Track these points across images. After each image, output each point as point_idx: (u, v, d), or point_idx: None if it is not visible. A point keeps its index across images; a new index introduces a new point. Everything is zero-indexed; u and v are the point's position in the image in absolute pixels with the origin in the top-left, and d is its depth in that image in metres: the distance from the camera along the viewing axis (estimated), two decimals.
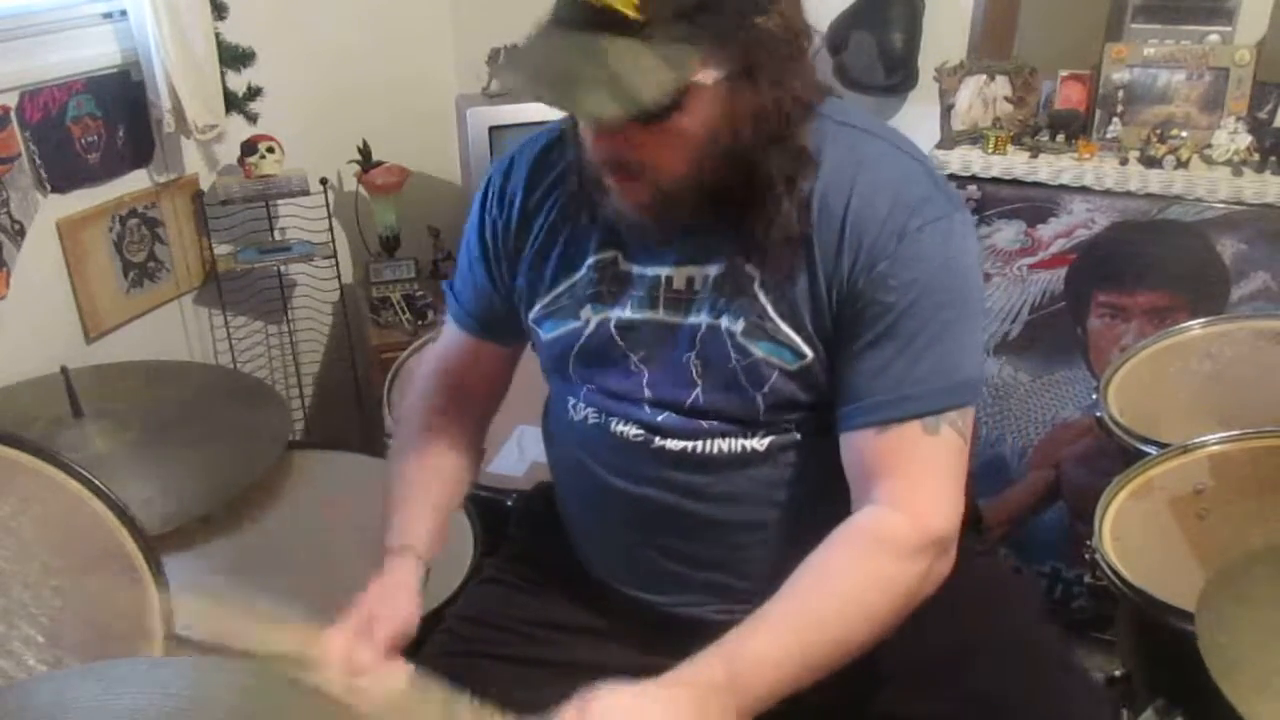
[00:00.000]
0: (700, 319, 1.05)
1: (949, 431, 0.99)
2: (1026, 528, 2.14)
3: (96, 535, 1.13)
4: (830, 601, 0.95)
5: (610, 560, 1.19)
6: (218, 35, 2.12)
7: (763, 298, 1.02)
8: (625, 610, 1.18)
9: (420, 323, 2.39)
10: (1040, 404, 2.07)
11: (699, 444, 1.07)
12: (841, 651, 0.94)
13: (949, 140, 2.06)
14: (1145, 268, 1.93)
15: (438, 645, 1.21)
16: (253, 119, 2.28)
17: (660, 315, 1.07)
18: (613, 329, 1.08)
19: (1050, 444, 2.08)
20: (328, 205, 2.36)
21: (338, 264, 2.41)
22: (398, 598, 1.09)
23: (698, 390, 1.06)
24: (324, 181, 2.31)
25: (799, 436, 1.07)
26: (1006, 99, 2.07)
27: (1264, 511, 1.26)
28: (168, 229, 2.18)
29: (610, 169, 0.98)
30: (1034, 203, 1.98)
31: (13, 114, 1.79)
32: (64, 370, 1.60)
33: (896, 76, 2.21)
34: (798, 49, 0.95)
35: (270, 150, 2.20)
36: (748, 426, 1.06)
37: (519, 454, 1.79)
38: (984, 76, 2.05)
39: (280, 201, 2.31)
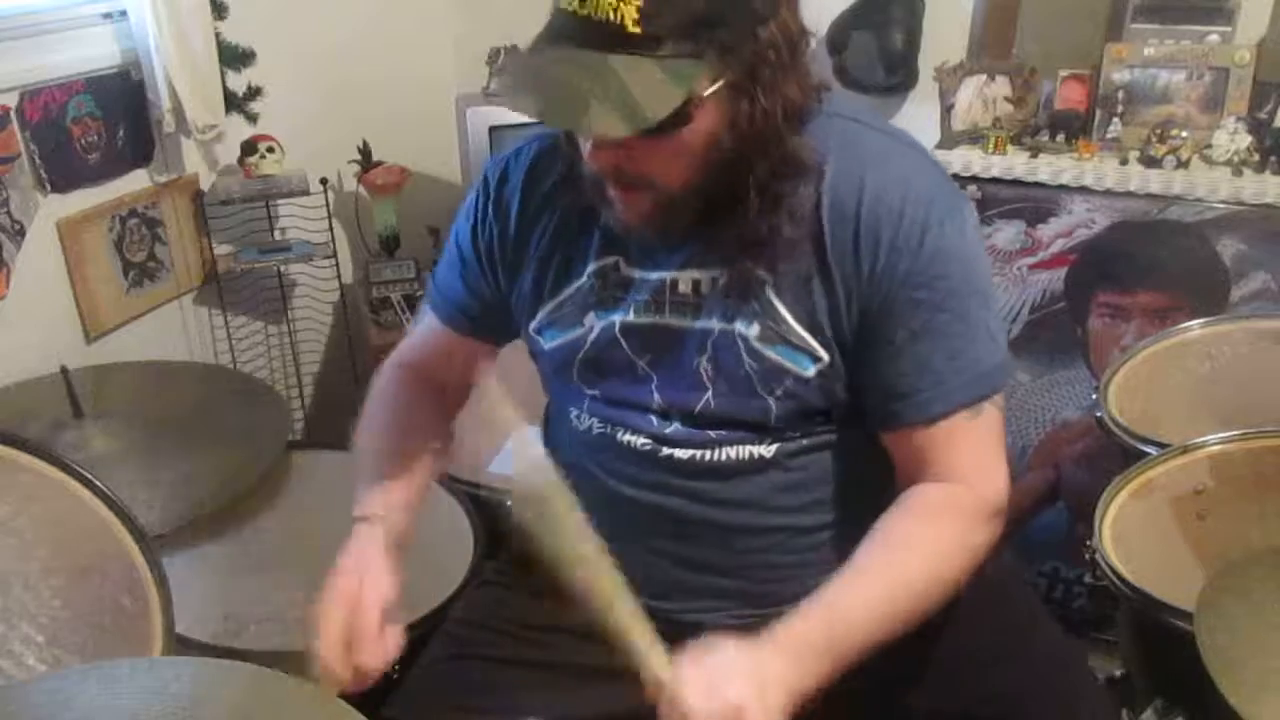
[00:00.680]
0: (711, 323, 1.04)
1: (990, 409, 1.03)
2: (1026, 528, 2.14)
3: (96, 535, 1.13)
4: (915, 562, 0.99)
5: (615, 565, 1.18)
6: (218, 35, 2.12)
7: (777, 302, 1.02)
8: None
9: None
10: (1040, 404, 2.07)
11: (707, 452, 1.07)
12: (921, 611, 0.98)
13: (949, 140, 2.06)
14: (1145, 268, 1.93)
15: (438, 648, 1.21)
16: (253, 119, 2.27)
17: (666, 319, 1.06)
18: (617, 333, 1.08)
19: (1050, 444, 2.08)
20: (328, 205, 2.36)
21: (338, 264, 2.41)
22: (374, 564, 1.06)
23: (708, 395, 1.06)
24: (324, 181, 2.31)
25: (806, 443, 1.07)
26: (1006, 99, 2.07)
27: (1264, 511, 1.26)
28: (168, 229, 2.18)
29: (612, 181, 0.98)
30: (1034, 203, 1.98)
31: (13, 114, 1.79)
32: (64, 370, 1.60)
33: (896, 76, 2.21)
34: (796, 55, 0.95)
35: (270, 150, 2.20)
36: (757, 433, 1.06)
37: None
38: (984, 76, 2.06)
39: (280, 201, 2.31)
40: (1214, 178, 1.86)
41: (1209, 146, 1.90)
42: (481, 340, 1.24)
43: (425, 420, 1.23)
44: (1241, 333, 1.63)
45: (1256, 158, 1.87)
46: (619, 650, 0.92)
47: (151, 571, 1.13)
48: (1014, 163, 1.98)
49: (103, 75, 1.97)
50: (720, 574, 1.12)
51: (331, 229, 2.39)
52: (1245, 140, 1.87)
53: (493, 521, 1.56)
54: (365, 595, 1.02)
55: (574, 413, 1.15)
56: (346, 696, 0.88)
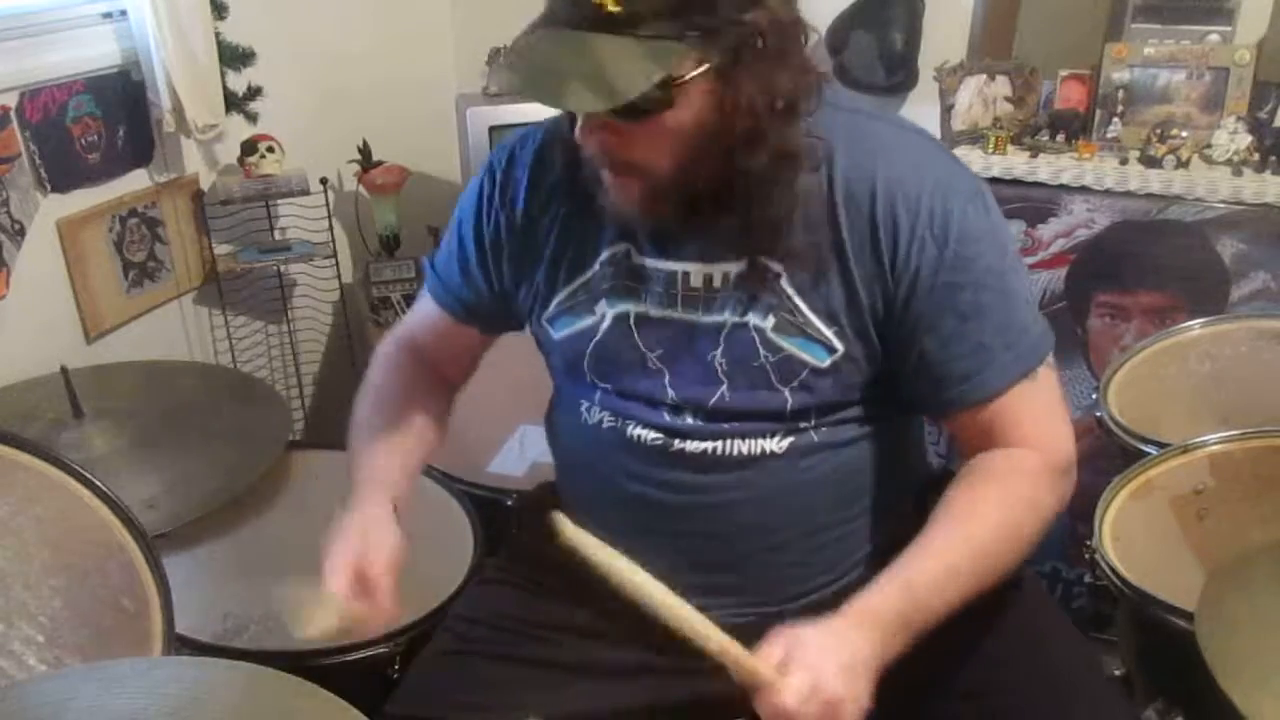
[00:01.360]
0: (725, 317, 1.05)
1: (1045, 372, 1.06)
2: None
3: (96, 536, 1.13)
4: (989, 527, 1.01)
5: None
6: (218, 35, 2.12)
7: (792, 292, 1.02)
8: (632, 612, 1.17)
9: None
10: None
11: (718, 444, 1.07)
12: (998, 573, 1.00)
13: (949, 140, 2.06)
14: (1145, 268, 1.93)
15: (439, 645, 1.21)
16: (253, 119, 2.27)
17: (680, 314, 1.06)
18: (630, 324, 1.08)
19: None
20: (328, 205, 2.36)
21: (338, 264, 2.41)
22: (380, 525, 1.08)
23: (723, 388, 1.06)
24: (324, 181, 2.31)
25: (817, 439, 1.07)
26: (1006, 99, 2.07)
27: (1264, 511, 1.26)
28: (168, 229, 2.18)
29: (603, 164, 0.99)
30: (1034, 203, 1.98)
31: (13, 114, 1.79)
32: (64, 370, 1.60)
33: (896, 76, 2.21)
34: (788, 43, 0.95)
35: (270, 150, 2.20)
36: (770, 426, 1.06)
37: (520, 454, 1.79)
38: (984, 76, 2.05)
39: (280, 201, 2.31)
40: (1214, 177, 1.86)
41: (1209, 146, 1.90)
42: (474, 328, 1.25)
43: (423, 394, 1.25)
44: (1241, 333, 1.63)
45: (1256, 157, 1.87)
46: (705, 653, 0.93)
47: (151, 571, 1.13)
48: (1014, 163, 1.98)
49: (103, 75, 1.97)
50: (726, 570, 1.12)
51: (331, 229, 2.39)
52: (1245, 140, 1.87)
53: (493, 519, 1.56)
54: (371, 548, 1.05)
55: (584, 406, 1.15)
56: (347, 694, 0.87)
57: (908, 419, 1.19)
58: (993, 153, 1.99)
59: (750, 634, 1.13)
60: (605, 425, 1.12)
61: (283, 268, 2.43)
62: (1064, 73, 2.03)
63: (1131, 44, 1.95)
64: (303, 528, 1.61)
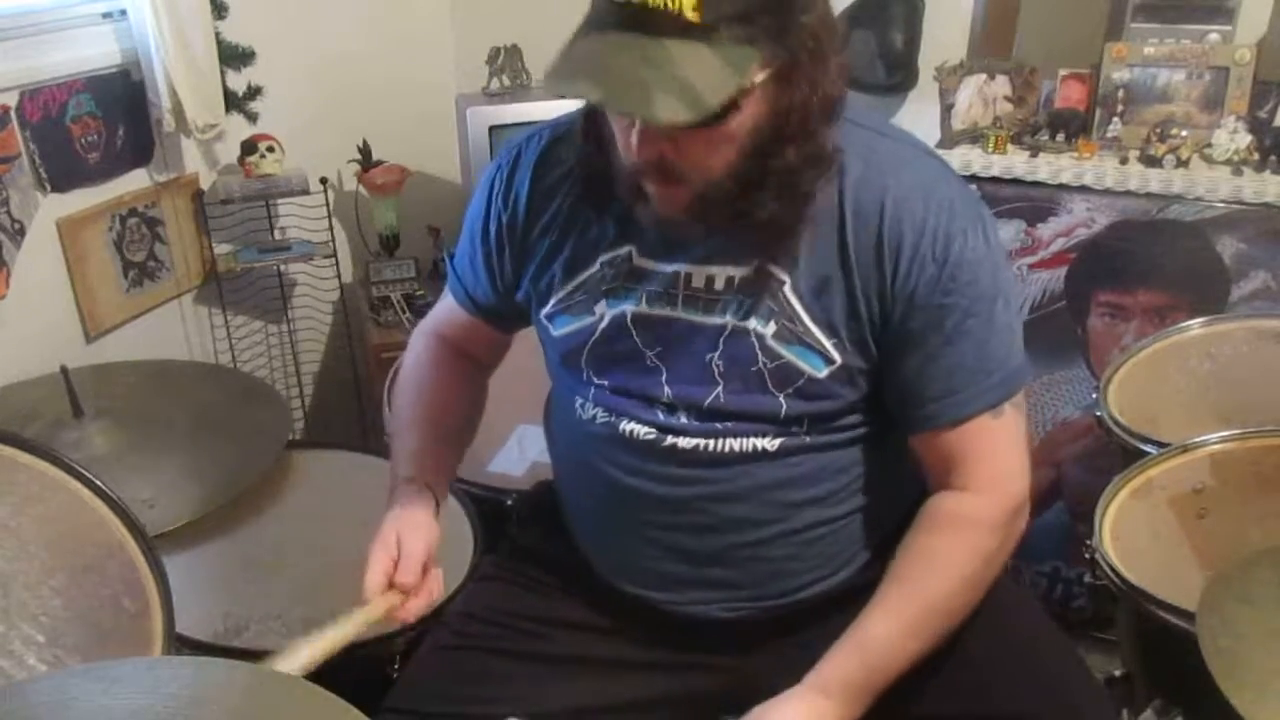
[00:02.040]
0: (725, 319, 1.05)
1: (1010, 410, 1.06)
2: (1026, 528, 2.13)
3: (96, 535, 1.13)
4: (940, 581, 1.04)
5: (614, 557, 1.19)
6: (218, 35, 2.12)
7: (794, 301, 1.02)
8: (627, 607, 1.18)
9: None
10: (1040, 404, 2.07)
11: (711, 441, 1.08)
12: (953, 624, 1.04)
13: (949, 140, 2.06)
14: (1145, 267, 1.93)
15: (436, 640, 1.22)
16: (253, 118, 2.28)
17: (680, 313, 1.07)
18: (628, 322, 1.08)
19: (1050, 444, 2.08)
20: (328, 205, 2.36)
21: (338, 264, 2.41)
22: (416, 516, 1.13)
23: (719, 389, 1.06)
24: (324, 181, 2.31)
25: (810, 440, 1.08)
26: (1006, 98, 2.06)
27: (1264, 511, 1.26)
28: (168, 228, 2.18)
29: (651, 174, 0.97)
30: (1034, 202, 1.98)
31: (13, 114, 1.79)
32: (64, 370, 1.60)
33: (896, 76, 2.21)
34: (831, 45, 0.96)
35: (270, 150, 2.20)
36: (763, 428, 1.07)
37: (519, 453, 1.79)
38: (984, 76, 2.05)
39: (280, 201, 2.31)
40: (1214, 177, 1.86)
41: (1209, 146, 1.90)
42: (490, 324, 1.26)
43: (458, 388, 1.29)
44: (1241, 332, 1.63)
45: (1256, 157, 1.87)
46: None
47: (151, 571, 1.13)
48: (1014, 162, 1.98)
49: (103, 75, 1.97)
50: (718, 566, 1.12)
51: (331, 229, 2.39)
52: (1245, 139, 1.87)
53: (492, 519, 1.56)
54: (406, 540, 1.10)
55: (579, 402, 1.15)
56: (350, 690, 0.87)
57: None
58: (993, 152, 1.99)
59: (744, 628, 1.14)
60: (599, 421, 1.13)
61: (283, 267, 2.43)
62: (1064, 72, 2.03)
63: (1131, 43, 1.95)
64: (303, 528, 1.62)
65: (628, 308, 1.08)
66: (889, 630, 1.02)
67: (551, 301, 1.12)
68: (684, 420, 1.08)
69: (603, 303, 1.09)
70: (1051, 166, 1.95)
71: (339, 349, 2.64)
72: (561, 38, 0.92)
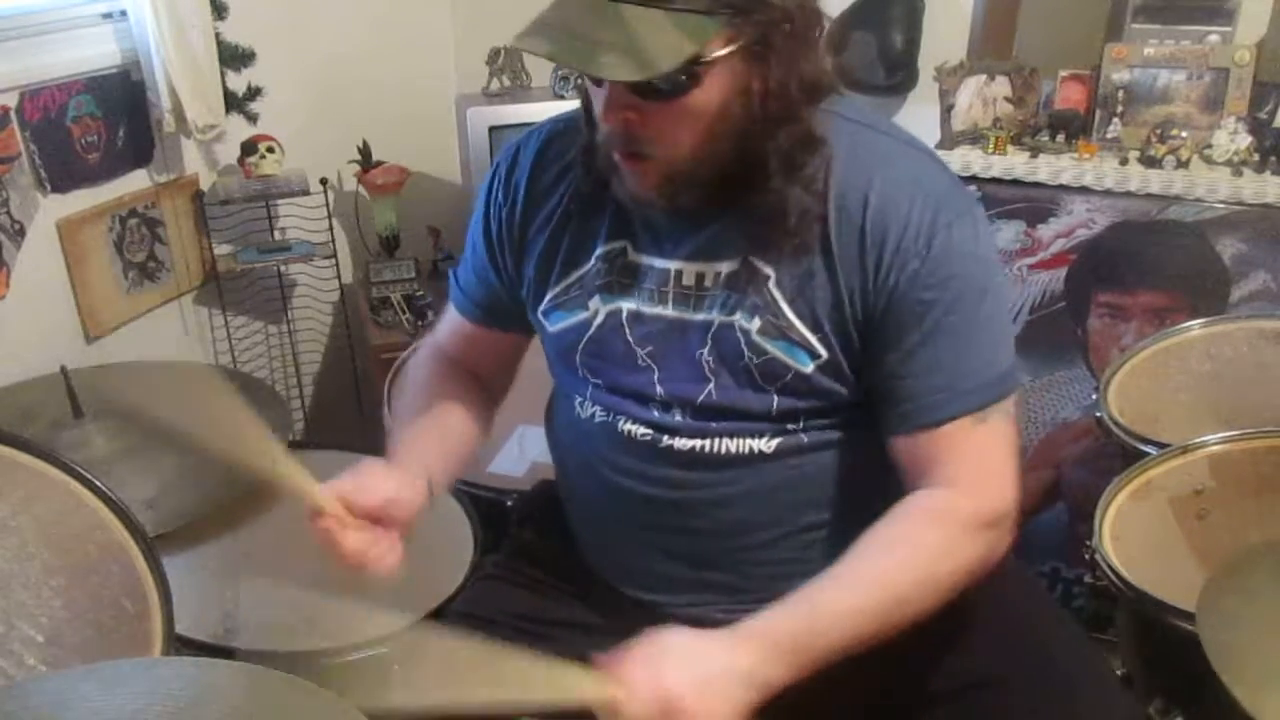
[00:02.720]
0: (712, 315, 1.05)
1: (997, 417, 1.02)
2: (1026, 528, 2.14)
3: (96, 536, 1.13)
4: (898, 565, 0.98)
5: (614, 559, 1.19)
6: (218, 35, 2.12)
7: (778, 296, 1.02)
8: (627, 608, 1.18)
9: (420, 323, 2.39)
10: (1040, 404, 2.07)
11: (707, 443, 1.07)
12: (907, 615, 0.97)
13: (949, 140, 2.06)
14: (1145, 268, 1.93)
15: None
16: (253, 119, 2.28)
17: (670, 311, 1.07)
18: (623, 320, 1.08)
19: (1050, 444, 2.08)
20: (328, 205, 2.36)
21: (338, 264, 2.41)
22: (373, 471, 1.08)
23: (710, 386, 1.06)
24: (324, 181, 2.31)
25: (806, 440, 1.07)
26: (1006, 99, 2.06)
27: (1264, 511, 1.26)
28: (168, 229, 2.18)
29: (621, 150, 0.98)
30: (1034, 203, 1.98)
31: (13, 114, 1.79)
32: (64, 370, 1.60)
33: (896, 76, 2.21)
34: (810, 30, 0.96)
35: (270, 150, 2.20)
36: (758, 426, 1.06)
37: (519, 454, 1.79)
38: (984, 76, 2.05)
39: (280, 201, 2.31)
40: (1214, 178, 1.86)
41: (1209, 146, 1.90)
42: (497, 331, 1.25)
43: (457, 386, 1.25)
44: (1241, 333, 1.63)
45: (1256, 158, 1.87)
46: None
47: (151, 571, 1.13)
48: (1014, 163, 1.98)
49: (103, 75, 1.97)
50: (715, 568, 1.12)
51: (331, 229, 2.40)
52: (1245, 140, 1.87)
53: (492, 519, 1.56)
54: (362, 484, 1.06)
55: (578, 400, 1.15)
56: (347, 693, 0.87)
57: None
58: (993, 153, 1.99)
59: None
60: (597, 420, 1.13)
61: (283, 268, 2.43)
62: (1064, 73, 2.03)
63: (1131, 44, 1.95)
64: (303, 528, 1.62)
65: (622, 305, 1.08)
66: (841, 602, 0.96)
67: (548, 297, 1.13)
68: (678, 419, 1.08)
69: (596, 298, 1.09)
70: (1051, 167, 1.95)
71: (339, 349, 2.64)
72: None
